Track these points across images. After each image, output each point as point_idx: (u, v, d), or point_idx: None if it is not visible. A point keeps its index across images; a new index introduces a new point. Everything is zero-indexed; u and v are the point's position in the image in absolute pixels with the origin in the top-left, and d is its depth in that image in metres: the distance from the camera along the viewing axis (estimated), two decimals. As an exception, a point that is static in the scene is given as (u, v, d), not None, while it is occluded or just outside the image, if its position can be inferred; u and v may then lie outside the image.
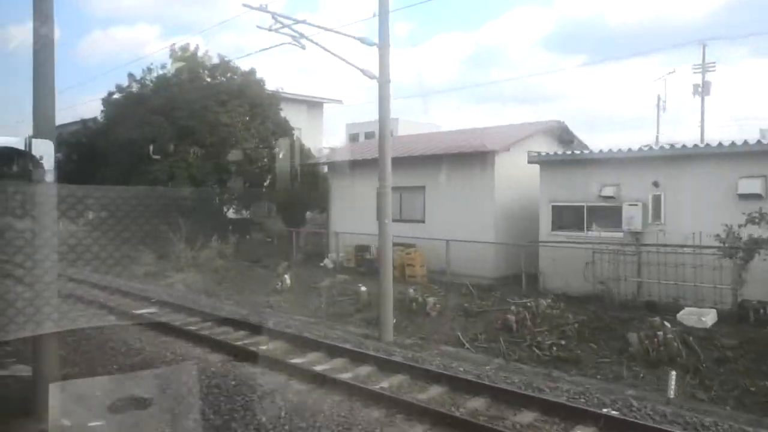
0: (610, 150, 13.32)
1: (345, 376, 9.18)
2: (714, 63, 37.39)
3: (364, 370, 9.70)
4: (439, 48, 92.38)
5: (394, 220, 17.74)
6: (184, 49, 25.42)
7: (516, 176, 15.54)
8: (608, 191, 13.04)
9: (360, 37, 12.24)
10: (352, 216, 18.72)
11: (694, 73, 36.83)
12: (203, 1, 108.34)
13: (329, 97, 32.74)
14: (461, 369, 9.97)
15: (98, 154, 26.34)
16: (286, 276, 16.89)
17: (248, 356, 9.77)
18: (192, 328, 12.04)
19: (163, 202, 22.85)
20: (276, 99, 23.95)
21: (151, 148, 21.82)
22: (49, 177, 6.54)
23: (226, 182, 22.08)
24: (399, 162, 17.39)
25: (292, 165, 21.13)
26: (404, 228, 17.01)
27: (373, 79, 12.37)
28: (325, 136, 32.13)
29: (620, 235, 13.09)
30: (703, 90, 37.47)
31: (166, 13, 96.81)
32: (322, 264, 18.61)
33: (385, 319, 12.24)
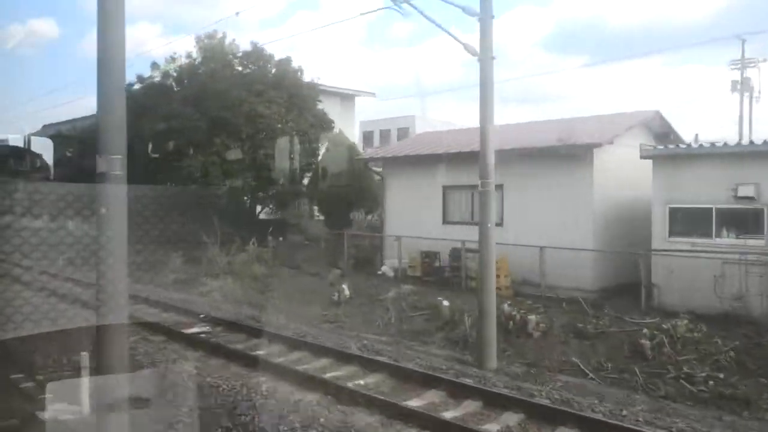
0: (752, 142, 11.31)
1: (449, 414, 7.43)
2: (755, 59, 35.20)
3: (470, 406, 7.78)
4: (440, 48, 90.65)
5: (463, 223, 15.83)
6: (211, 36, 23.37)
7: (615, 173, 13.54)
8: (746, 191, 11.02)
9: (462, 6, 10.21)
10: (411, 218, 16.68)
11: (732, 69, 34.81)
12: (204, 1, 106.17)
13: (363, 90, 30.67)
14: (599, 409, 7.96)
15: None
16: (344, 286, 14.85)
17: (352, 398, 7.75)
18: (261, 353, 10.00)
19: (194, 202, 20.89)
20: (314, 90, 21.88)
21: (169, 144, 19.81)
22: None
23: (264, 179, 20.02)
24: (466, 158, 15.38)
25: (336, 161, 19.08)
26: (475, 232, 14.97)
27: (475, 56, 10.36)
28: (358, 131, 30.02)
29: (762, 242, 11.06)
30: (742, 86, 35.58)
31: (166, 12, 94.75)
32: (379, 272, 16.57)
33: (486, 342, 10.21)
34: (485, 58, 10.34)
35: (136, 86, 25.81)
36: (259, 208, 23.33)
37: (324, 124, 21.61)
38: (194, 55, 23.13)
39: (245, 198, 21.91)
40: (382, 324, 13.31)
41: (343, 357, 9.73)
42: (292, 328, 12.07)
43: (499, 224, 14.95)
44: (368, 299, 14.62)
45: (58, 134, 39.72)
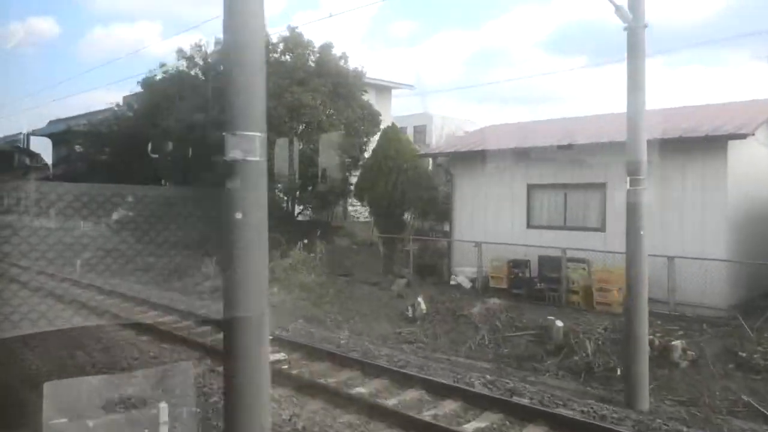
0: None
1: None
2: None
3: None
4: (440, 47, 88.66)
5: (553, 227, 13.83)
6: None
7: (750, 169, 11.59)
8: None
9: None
10: (486, 221, 14.66)
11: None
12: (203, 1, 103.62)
13: (401, 82, 28.60)
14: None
15: (139, 143, 22.30)
16: (420, 299, 12.83)
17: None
18: (364, 391, 7.98)
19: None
20: (360, 78, 19.83)
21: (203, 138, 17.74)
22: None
23: (308, 176, 17.97)
24: (556, 153, 13.40)
25: (389, 158, 17.04)
26: (570, 237, 13.00)
27: (626, 23, 8.38)
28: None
29: None
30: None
31: (166, 11, 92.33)
32: (453, 282, 14.52)
33: (637, 377, 8.23)
34: (636, 25, 8.38)
35: (159, 76, 23.86)
36: (297, 208, 21.33)
37: (371, 116, 19.60)
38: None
39: (284, 197, 19.88)
40: (473, 345, 11.32)
41: (471, 398, 7.72)
42: (384, 354, 10.06)
43: (599, 229, 13.00)
44: (449, 315, 12.60)
45: (67, 130, 37.75)
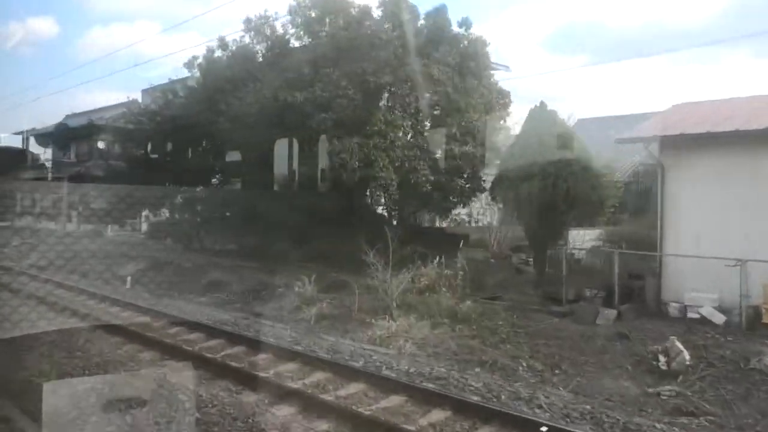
0: None
1: None
2: None
3: None
4: None
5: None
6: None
7: None
8: None
9: None
10: (724, 228, 10.72)
11: None
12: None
13: (498, 63, 24.32)
14: None
15: (198, 129, 18.43)
16: (677, 343, 8.88)
17: None
18: None
19: (345, 207, 14.80)
20: (484, 48, 15.82)
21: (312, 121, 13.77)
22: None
23: (443, 171, 14.00)
24: None
25: (541, 147, 13.12)
26: None
27: None
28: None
29: None
30: None
31: (165, 10, 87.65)
32: (675, 313, 10.54)
33: None
34: None
35: (218, 53, 19.91)
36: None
37: (500, 95, 15.66)
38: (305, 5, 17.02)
39: (383, 197, 15.94)
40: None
41: None
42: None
43: None
44: (730, 367, 8.68)
45: (88, 124, 33.90)
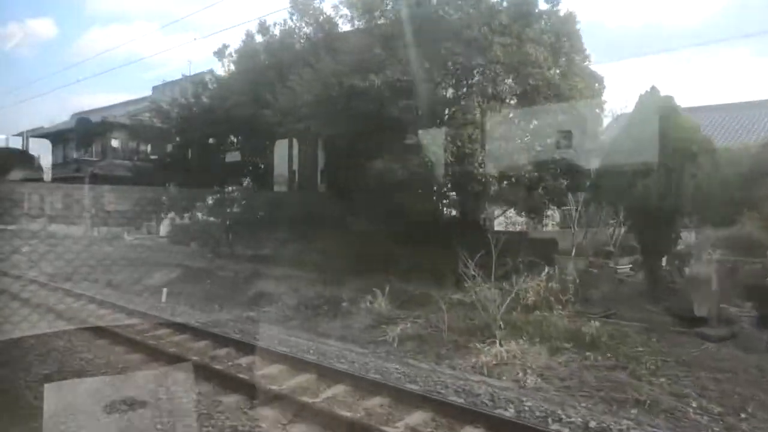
0: None
1: None
2: None
3: None
4: None
5: None
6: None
7: None
8: None
9: None
10: None
11: None
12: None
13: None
14: None
15: (232, 123, 16.52)
16: None
17: None
18: None
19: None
20: (575, 26, 13.83)
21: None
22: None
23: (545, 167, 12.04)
24: None
25: (668, 139, 11.17)
26: None
27: None
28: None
29: None
30: None
31: (164, 10, 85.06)
32: None
33: None
34: None
35: (258, 40, 17.95)
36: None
37: (593, 79, 13.70)
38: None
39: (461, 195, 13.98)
40: None
41: None
42: None
43: None
44: None
45: (103, 122, 32.04)
